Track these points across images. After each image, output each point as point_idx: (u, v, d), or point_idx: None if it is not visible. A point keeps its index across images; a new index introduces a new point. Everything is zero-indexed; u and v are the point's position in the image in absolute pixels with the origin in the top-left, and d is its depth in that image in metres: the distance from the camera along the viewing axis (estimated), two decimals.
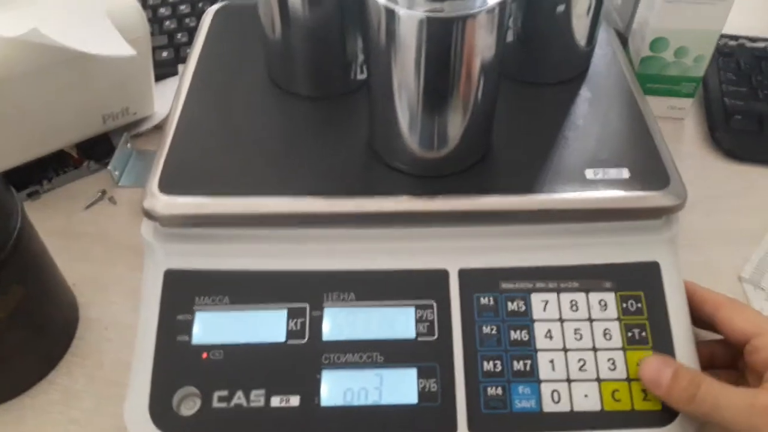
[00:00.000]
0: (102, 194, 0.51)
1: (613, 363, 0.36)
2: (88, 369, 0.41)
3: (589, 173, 0.39)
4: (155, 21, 0.64)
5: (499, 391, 0.35)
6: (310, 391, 0.35)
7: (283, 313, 0.37)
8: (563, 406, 0.35)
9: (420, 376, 0.35)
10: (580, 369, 0.36)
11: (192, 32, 0.62)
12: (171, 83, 0.58)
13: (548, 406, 0.35)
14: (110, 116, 0.52)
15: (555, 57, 0.45)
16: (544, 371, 0.36)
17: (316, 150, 0.40)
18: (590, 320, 0.37)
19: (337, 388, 0.35)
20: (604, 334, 0.37)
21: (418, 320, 0.37)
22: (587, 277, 0.38)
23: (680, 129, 0.58)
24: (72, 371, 0.41)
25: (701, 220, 0.50)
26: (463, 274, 0.38)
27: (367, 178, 0.39)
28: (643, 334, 0.37)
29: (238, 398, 0.35)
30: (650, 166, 0.39)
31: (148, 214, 0.37)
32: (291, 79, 0.44)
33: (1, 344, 0.38)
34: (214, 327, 0.36)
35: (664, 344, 0.36)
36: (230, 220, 0.37)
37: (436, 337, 0.36)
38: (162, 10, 0.65)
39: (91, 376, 0.41)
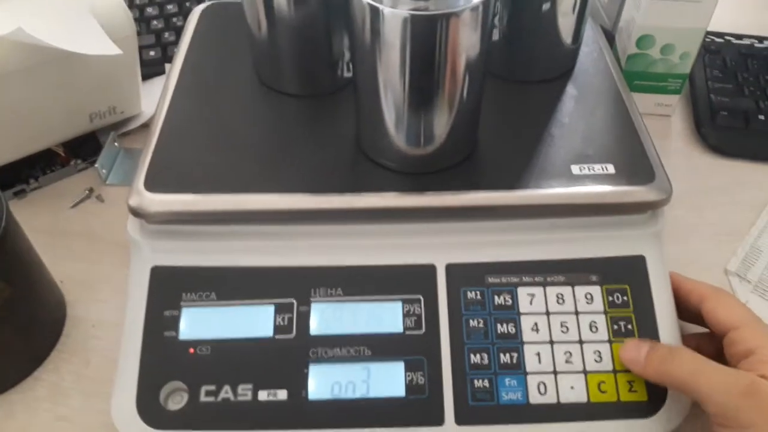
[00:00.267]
0: (89, 192, 0.51)
1: (599, 355, 0.36)
2: (76, 366, 0.41)
3: (575, 169, 0.39)
4: (142, 20, 0.64)
5: (486, 383, 0.35)
6: (298, 385, 0.35)
7: (270, 309, 0.37)
8: (550, 398, 0.35)
9: (407, 369, 0.36)
10: (567, 361, 0.36)
11: (179, 31, 0.62)
12: (158, 82, 0.58)
13: (535, 398, 0.35)
14: (97, 115, 0.52)
15: (541, 55, 0.45)
16: (530, 364, 0.36)
17: (304, 147, 0.40)
18: (576, 313, 0.37)
19: (324, 381, 0.35)
20: (590, 327, 0.37)
21: (406, 314, 0.37)
22: (573, 271, 0.38)
23: (667, 125, 0.59)
24: (59, 368, 0.41)
25: (688, 214, 0.50)
26: (450, 268, 0.38)
27: (355, 175, 0.39)
28: (629, 326, 0.37)
29: (226, 392, 0.35)
30: (635, 162, 0.39)
31: (135, 212, 0.37)
32: (278, 77, 0.44)
33: None
34: (201, 323, 0.36)
35: (649, 336, 0.37)
36: (216, 216, 0.37)
37: (423, 330, 0.36)
38: (149, 10, 0.65)
39: (78, 373, 0.41)
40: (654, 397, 0.35)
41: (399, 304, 0.37)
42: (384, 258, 0.38)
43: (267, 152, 0.40)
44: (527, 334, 0.36)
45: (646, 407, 0.35)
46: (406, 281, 0.38)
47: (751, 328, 0.35)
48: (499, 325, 0.37)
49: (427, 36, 0.33)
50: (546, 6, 0.43)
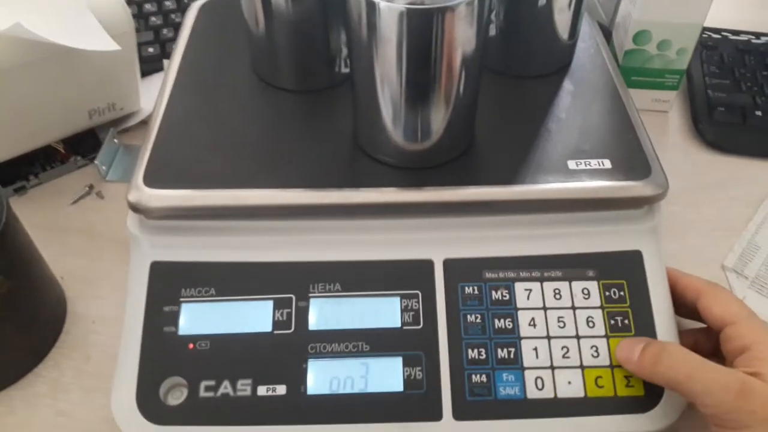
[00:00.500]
0: (89, 189, 0.51)
1: (596, 350, 0.36)
2: (76, 362, 0.41)
3: (572, 164, 0.39)
4: (141, 17, 0.64)
5: (484, 378, 0.36)
6: (297, 379, 0.35)
7: (269, 304, 0.37)
8: (547, 393, 0.35)
9: (405, 364, 0.36)
10: (564, 356, 0.36)
11: (177, 28, 0.62)
12: (157, 79, 0.58)
13: (532, 393, 0.35)
14: (96, 112, 0.52)
15: (538, 50, 0.45)
16: (528, 359, 0.36)
17: (301, 143, 0.40)
18: (573, 308, 0.37)
19: (323, 376, 0.35)
20: (587, 322, 0.37)
21: (404, 310, 0.37)
22: (570, 266, 0.38)
23: (665, 121, 0.59)
24: (60, 364, 0.41)
25: (685, 210, 0.50)
26: (448, 263, 0.38)
27: (352, 171, 0.39)
28: (626, 321, 0.37)
29: (225, 387, 0.35)
30: (632, 157, 0.40)
31: (134, 207, 0.37)
32: (275, 73, 0.44)
33: None
34: (200, 318, 0.36)
35: (646, 331, 0.37)
36: (215, 212, 0.37)
37: (421, 326, 0.37)
38: (147, 6, 0.65)
39: (78, 368, 0.41)
40: (651, 392, 0.36)
41: (397, 300, 0.37)
42: (382, 253, 0.38)
43: (265, 148, 0.40)
44: (524, 329, 0.37)
45: (643, 402, 0.36)
46: (404, 276, 0.38)
47: (746, 324, 0.35)
48: (496, 320, 0.37)
49: (423, 30, 0.33)
50: (542, 1, 0.43)
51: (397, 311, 0.37)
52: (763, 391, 0.31)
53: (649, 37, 0.54)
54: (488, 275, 0.38)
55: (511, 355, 0.36)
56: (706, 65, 0.61)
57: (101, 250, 0.47)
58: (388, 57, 0.34)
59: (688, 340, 0.38)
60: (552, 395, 0.35)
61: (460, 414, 0.35)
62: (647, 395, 0.36)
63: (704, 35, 0.64)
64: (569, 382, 0.36)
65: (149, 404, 0.35)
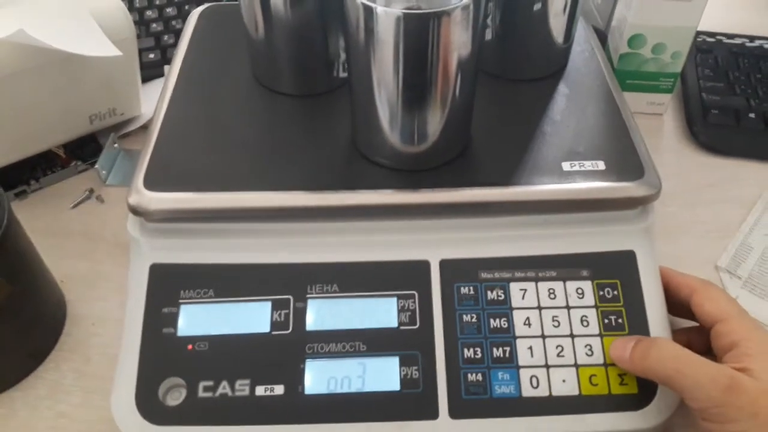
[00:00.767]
0: (89, 193, 0.52)
1: (590, 349, 0.37)
2: (76, 364, 0.42)
3: (566, 165, 0.40)
4: (142, 23, 0.65)
5: (480, 377, 0.36)
6: (295, 380, 0.36)
7: (267, 305, 0.37)
8: (542, 391, 0.36)
9: (402, 363, 0.36)
10: (558, 355, 0.37)
11: (178, 34, 0.63)
12: (158, 84, 0.58)
13: (527, 391, 0.36)
14: (97, 117, 0.52)
15: (533, 54, 0.46)
16: (523, 357, 0.36)
17: (300, 146, 0.41)
18: (568, 308, 0.38)
19: (320, 376, 0.36)
20: (582, 321, 0.37)
21: (400, 310, 0.37)
22: (565, 266, 0.39)
23: (659, 124, 0.59)
24: (60, 366, 0.42)
25: (679, 211, 0.51)
26: (444, 264, 0.38)
27: (350, 173, 0.40)
28: (620, 320, 0.37)
29: (223, 388, 0.35)
30: (625, 158, 0.40)
31: (134, 210, 0.38)
32: (275, 77, 0.45)
33: None
34: (199, 319, 0.37)
35: (640, 330, 0.37)
36: (214, 214, 0.38)
37: (417, 326, 0.37)
38: (148, 13, 0.66)
39: (78, 370, 0.42)
40: (644, 390, 0.36)
41: (394, 300, 0.38)
42: (379, 254, 0.39)
43: (264, 151, 0.41)
44: (520, 329, 0.37)
45: (636, 400, 0.36)
46: (400, 277, 0.38)
47: (736, 320, 0.35)
48: (492, 320, 0.37)
49: (419, 35, 0.33)
50: (538, 5, 0.43)
51: (393, 311, 0.37)
52: (751, 387, 0.32)
53: (644, 41, 0.55)
54: (484, 275, 0.38)
55: (507, 354, 0.36)
56: (701, 68, 0.62)
57: (101, 253, 0.48)
58: (385, 61, 0.35)
59: (681, 338, 0.39)
60: (547, 393, 0.36)
61: (456, 412, 0.35)
62: (641, 393, 0.36)
63: (698, 38, 0.65)
64: (564, 381, 0.36)
65: (148, 405, 0.35)
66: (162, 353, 0.36)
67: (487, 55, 0.45)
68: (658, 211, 0.40)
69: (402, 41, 0.34)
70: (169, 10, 0.66)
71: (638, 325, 0.37)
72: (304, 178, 0.39)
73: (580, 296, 0.38)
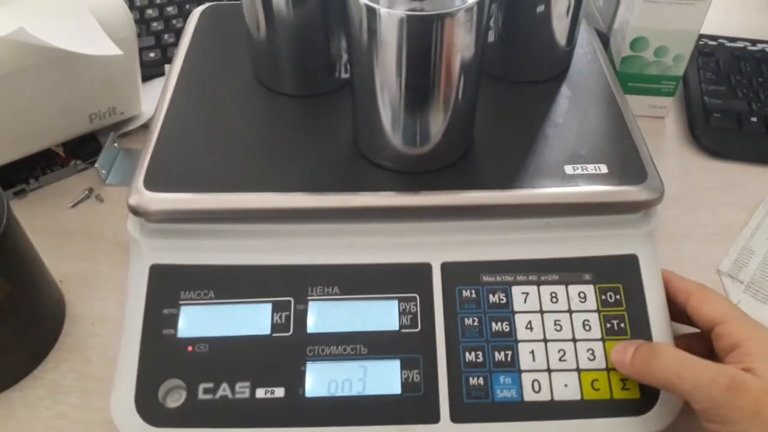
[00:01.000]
0: (89, 192, 0.51)
1: (593, 353, 0.37)
2: (75, 364, 0.42)
3: (569, 169, 0.39)
4: (142, 22, 0.65)
5: (481, 381, 0.36)
6: (295, 382, 0.35)
7: (267, 307, 0.37)
8: (544, 396, 0.36)
9: (403, 367, 0.36)
10: (560, 359, 0.36)
11: (179, 33, 0.63)
12: (158, 83, 0.58)
13: (529, 396, 0.36)
14: (97, 116, 0.52)
15: (536, 56, 0.46)
16: (524, 361, 0.36)
17: (301, 147, 0.41)
18: (570, 312, 0.38)
19: (321, 379, 0.36)
20: (584, 325, 0.37)
21: (402, 313, 0.37)
22: (567, 270, 0.38)
23: (661, 127, 0.59)
24: (59, 366, 0.42)
25: (681, 215, 0.51)
26: (446, 267, 0.38)
27: (352, 175, 0.40)
28: (622, 325, 0.37)
29: (224, 390, 0.35)
30: (628, 162, 0.40)
31: (134, 210, 0.37)
32: (276, 78, 0.44)
33: None
34: (199, 321, 0.37)
35: (642, 335, 0.37)
36: (215, 215, 0.38)
37: (419, 329, 0.37)
38: (149, 12, 0.65)
39: (77, 371, 0.41)
40: (647, 394, 0.36)
41: (395, 303, 0.37)
42: (380, 257, 0.38)
43: (265, 152, 0.40)
44: (521, 333, 0.37)
45: (638, 405, 0.36)
46: (402, 280, 0.38)
47: (736, 321, 0.35)
48: (493, 324, 0.37)
49: (422, 36, 0.33)
50: (541, 8, 0.43)
51: (395, 314, 0.37)
52: (754, 386, 0.31)
53: (646, 44, 0.55)
54: (485, 279, 0.38)
55: (508, 358, 0.36)
56: (703, 72, 0.62)
57: (100, 253, 0.48)
58: (387, 62, 0.34)
59: (682, 345, 0.38)
60: (549, 398, 0.36)
61: (457, 416, 0.35)
62: (643, 398, 0.36)
63: (701, 42, 0.65)
64: (566, 385, 0.36)
65: (148, 406, 0.35)
66: (162, 355, 0.36)
67: (490, 57, 0.45)
68: (660, 214, 0.40)
69: (405, 43, 0.33)
70: (169, 9, 0.66)
71: (640, 330, 0.37)
72: (305, 179, 0.38)
73: (583, 300, 0.38)
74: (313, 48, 0.43)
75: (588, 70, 0.47)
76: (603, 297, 0.38)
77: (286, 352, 0.36)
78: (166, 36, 0.63)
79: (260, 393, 0.35)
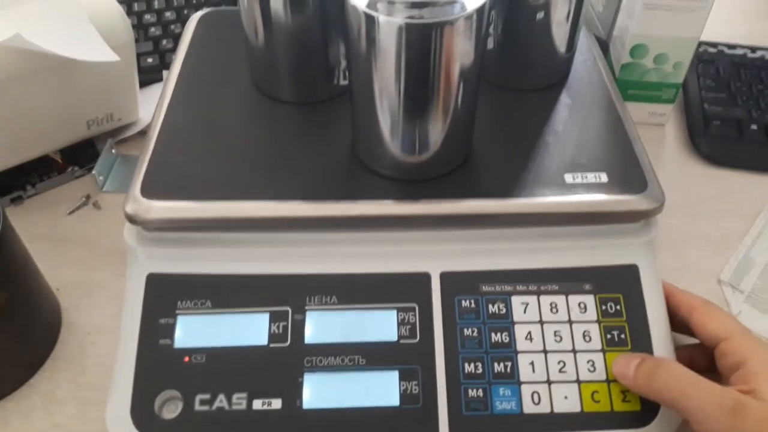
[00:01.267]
0: (86, 199, 0.51)
1: (593, 365, 0.36)
2: (71, 374, 0.41)
3: (569, 177, 0.39)
4: (140, 27, 0.64)
5: (480, 392, 0.35)
6: (293, 393, 0.35)
7: (265, 317, 0.37)
8: (543, 408, 0.35)
9: (402, 378, 0.36)
10: (560, 371, 0.36)
11: (177, 39, 0.62)
12: (156, 89, 0.58)
13: (529, 408, 0.35)
14: (94, 122, 0.52)
15: (535, 63, 0.46)
16: (524, 373, 0.36)
17: (299, 155, 0.40)
18: (570, 322, 0.37)
19: (319, 390, 0.35)
20: (584, 336, 0.37)
21: (400, 323, 0.37)
22: (567, 280, 0.38)
23: (661, 134, 0.59)
24: (54, 376, 0.41)
25: (681, 224, 0.51)
26: (445, 277, 0.38)
27: (350, 183, 0.39)
28: (623, 336, 0.37)
29: (220, 401, 0.35)
30: (628, 171, 0.40)
31: (131, 219, 0.37)
32: (274, 84, 0.44)
33: None
34: (196, 331, 0.36)
35: (643, 346, 0.37)
36: (212, 224, 0.37)
37: (417, 339, 0.37)
38: (147, 17, 0.65)
39: (73, 381, 0.41)
40: (647, 407, 0.36)
41: (393, 313, 0.37)
42: (379, 266, 0.38)
43: (263, 159, 0.40)
44: (521, 343, 0.37)
45: (639, 417, 0.36)
46: (400, 289, 0.38)
47: (741, 339, 0.35)
48: (493, 334, 0.37)
49: (421, 44, 0.33)
50: (540, 15, 0.43)
51: (393, 324, 0.37)
52: (757, 410, 0.31)
53: (646, 51, 0.55)
54: (485, 289, 0.38)
55: (508, 370, 0.36)
56: (703, 79, 0.62)
57: (97, 261, 0.47)
58: (386, 70, 0.34)
59: (684, 356, 0.38)
60: (548, 410, 0.35)
61: (456, 429, 0.35)
62: (643, 410, 0.36)
63: (700, 49, 0.65)
64: (566, 397, 0.36)
65: (144, 417, 0.35)
66: (158, 365, 0.36)
67: (489, 64, 0.45)
68: (660, 223, 0.40)
69: (404, 51, 0.33)
70: (168, 14, 0.66)
71: (641, 341, 0.37)
72: (303, 187, 0.38)
73: (583, 311, 0.37)
74: (311, 55, 0.43)
75: (588, 78, 0.47)
76: (603, 307, 0.38)
77: (284, 362, 0.36)
78: (164, 41, 0.63)
79: (257, 404, 0.35)
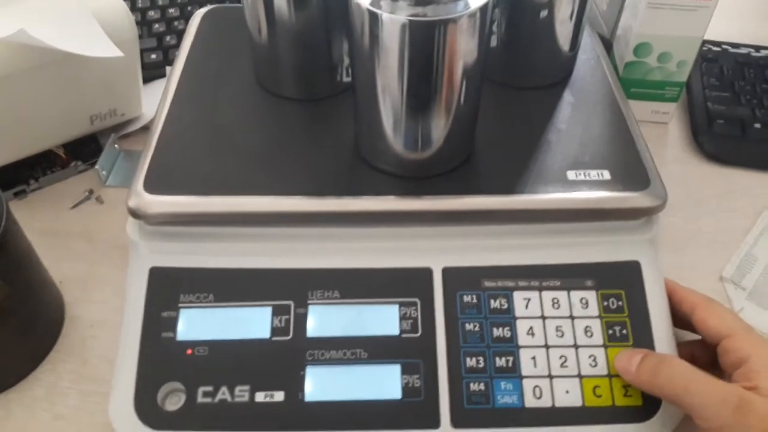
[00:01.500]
0: (89, 194, 0.51)
1: (594, 360, 0.36)
2: (74, 366, 0.41)
3: (571, 175, 0.39)
4: (144, 24, 0.64)
5: (482, 386, 0.36)
6: (295, 386, 0.35)
7: (267, 310, 0.37)
8: (545, 402, 0.35)
9: (404, 372, 0.36)
10: (562, 365, 0.36)
11: (180, 35, 0.62)
12: (159, 85, 0.58)
13: (530, 402, 0.35)
14: (98, 117, 0.52)
15: (539, 61, 0.46)
16: (526, 367, 0.36)
17: (302, 151, 0.40)
18: (572, 318, 0.37)
19: (321, 383, 0.35)
20: (586, 332, 0.37)
21: (402, 317, 0.37)
22: (569, 276, 0.38)
23: (664, 133, 0.59)
24: (57, 368, 0.41)
25: (684, 221, 0.51)
26: (447, 272, 0.38)
27: (353, 179, 0.39)
28: (624, 331, 0.37)
29: (223, 394, 0.35)
30: (631, 168, 0.40)
31: (134, 213, 0.37)
32: (277, 81, 0.44)
33: None
34: (198, 324, 0.37)
35: (644, 341, 0.37)
36: (215, 218, 0.38)
37: (419, 333, 0.37)
38: (151, 13, 0.65)
39: (76, 373, 0.41)
40: (649, 401, 0.36)
41: (396, 307, 0.37)
42: (381, 261, 0.38)
43: (266, 155, 0.40)
44: (523, 338, 0.37)
45: (641, 412, 0.36)
46: (403, 284, 0.38)
47: (743, 336, 0.35)
48: (495, 329, 0.37)
49: (425, 42, 0.33)
50: (544, 13, 0.43)
51: (395, 319, 0.37)
52: (761, 406, 0.31)
53: (650, 50, 0.55)
54: (487, 284, 0.38)
55: (510, 364, 0.36)
56: (706, 77, 0.61)
57: (100, 255, 0.47)
58: (389, 67, 0.34)
59: (686, 352, 0.38)
60: (550, 404, 0.35)
61: (458, 422, 0.35)
62: (645, 405, 0.36)
63: (704, 48, 0.65)
64: (567, 391, 0.36)
65: (147, 409, 0.35)
66: (161, 357, 0.36)
67: (493, 62, 0.45)
68: (662, 221, 0.40)
69: (407, 48, 0.33)
70: (171, 10, 0.66)
71: (643, 337, 0.37)
72: (305, 182, 0.38)
73: (584, 306, 0.38)
74: (314, 52, 0.43)
75: (591, 76, 0.47)
76: (605, 303, 0.38)
77: (286, 355, 0.36)
78: (167, 38, 0.63)
79: (260, 397, 0.35)
